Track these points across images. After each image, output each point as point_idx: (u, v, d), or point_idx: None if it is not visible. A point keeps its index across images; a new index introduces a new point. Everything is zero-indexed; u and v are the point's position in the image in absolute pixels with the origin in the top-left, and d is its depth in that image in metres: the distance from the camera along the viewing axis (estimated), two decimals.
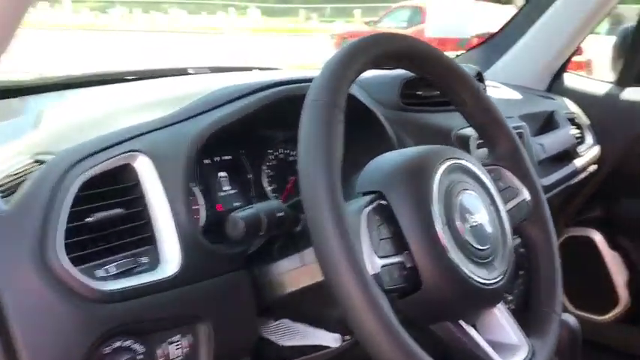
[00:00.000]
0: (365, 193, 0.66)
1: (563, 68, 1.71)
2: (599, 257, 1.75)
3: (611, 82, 1.70)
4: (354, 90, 0.94)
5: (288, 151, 1.00)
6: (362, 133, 0.97)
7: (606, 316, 1.75)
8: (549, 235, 0.82)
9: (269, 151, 1.00)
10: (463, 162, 0.71)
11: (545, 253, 0.80)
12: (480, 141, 1.03)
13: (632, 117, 1.63)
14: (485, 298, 0.68)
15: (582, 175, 1.56)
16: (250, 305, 0.75)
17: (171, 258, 0.68)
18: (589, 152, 1.59)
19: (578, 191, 1.63)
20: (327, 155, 0.57)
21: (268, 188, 0.98)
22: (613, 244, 1.75)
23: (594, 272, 1.76)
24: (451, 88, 0.79)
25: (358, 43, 0.67)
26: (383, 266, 0.60)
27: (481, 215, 0.69)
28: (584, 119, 1.65)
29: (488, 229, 0.69)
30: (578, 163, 1.52)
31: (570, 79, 1.74)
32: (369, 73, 1.12)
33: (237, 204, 0.92)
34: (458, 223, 0.66)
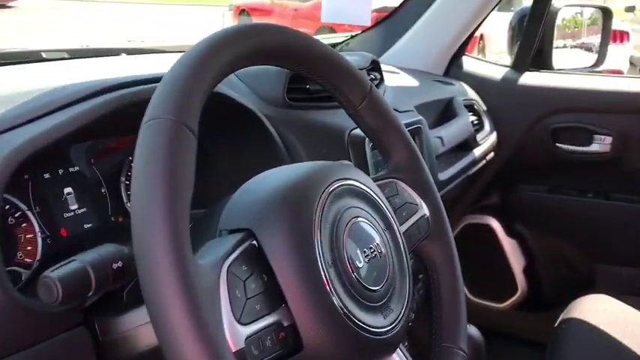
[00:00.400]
0: (232, 231, 0.52)
1: (461, 51, 1.65)
2: (496, 244, 1.73)
3: (508, 66, 1.67)
4: (225, 87, 0.79)
5: None
6: (240, 136, 0.83)
7: (504, 304, 1.74)
8: (451, 255, 0.72)
9: (130, 158, 0.83)
10: (352, 182, 0.59)
11: (446, 278, 0.71)
12: None
13: (528, 102, 1.60)
14: (382, 348, 0.57)
15: (481, 164, 1.52)
16: None
17: None
18: (487, 140, 1.54)
19: (475, 180, 1.59)
20: (169, 194, 0.42)
21: (129, 204, 0.81)
22: (510, 231, 1.74)
23: (492, 260, 1.74)
24: (339, 89, 0.66)
25: (218, 38, 0.52)
26: (250, 336, 0.46)
27: (374, 247, 0.57)
28: (482, 105, 1.59)
29: (383, 262, 0.58)
30: (476, 152, 1.46)
31: (468, 63, 1.68)
32: None
33: (88, 225, 0.76)
34: (347, 262, 0.54)
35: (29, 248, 0.69)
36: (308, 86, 0.95)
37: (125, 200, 0.82)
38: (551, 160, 1.60)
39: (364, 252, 0.56)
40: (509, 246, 1.72)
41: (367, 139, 0.91)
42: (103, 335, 0.60)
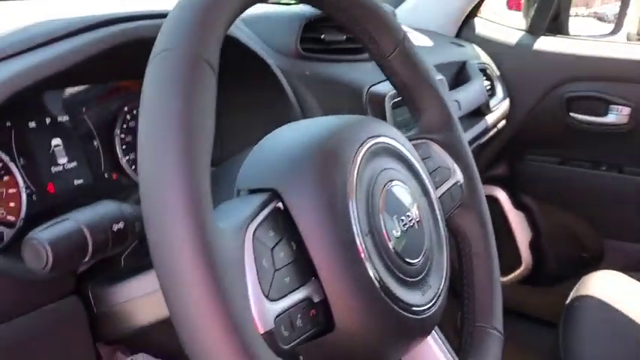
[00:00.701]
0: (253, 191, 0.44)
1: (474, 12, 1.56)
2: (502, 216, 1.67)
3: (523, 30, 1.58)
4: (236, 31, 0.70)
5: None
6: (248, 90, 0.74)
7: (507, 277, 1.69)
8: (486, 227, 0.65)
9: (125, 108, 0.74)
10: (387, 140, 0.52)
11: (480, 252, 0.64)
12: (397, 99, 0.84)
13: (542, 69, 1.52)
14: (419, 328, 0.50)
15: (492, 132, 1.44)
16: (85, 343, 0.52)
17: None
18: (500, 107, 1.46)
19: (485, 148, 1.51)
20: (186, 138, 0.34)
21: (124, 160, 0.73)
22: (517, 203, 1.67)
23: (497, 232, 1.67)
24: (368, 34, 0.58)
25: None
26: (280, 314, 0.39)
27: (412, 214, 0.50)
28: (494, 70, 1.51)
29: (421, 232, 0.51)
30: (489, 119, 1.38)
31: (481, 25, 1.59)
32: (259, 10, 0.88)
33: (79, 182, 0.68)
34: (384, 231, 0.46)
35: (12, 205, 0.61)
36: (323, 36, 0.86)
37: (120, 156, 0.73)
38: (563, 131, 1.52)
39: (401, 220, 0.49)
40: (516, 218, 1.65)
41: (387, 96, 0.83)
42: (98, 306, 0.52)
